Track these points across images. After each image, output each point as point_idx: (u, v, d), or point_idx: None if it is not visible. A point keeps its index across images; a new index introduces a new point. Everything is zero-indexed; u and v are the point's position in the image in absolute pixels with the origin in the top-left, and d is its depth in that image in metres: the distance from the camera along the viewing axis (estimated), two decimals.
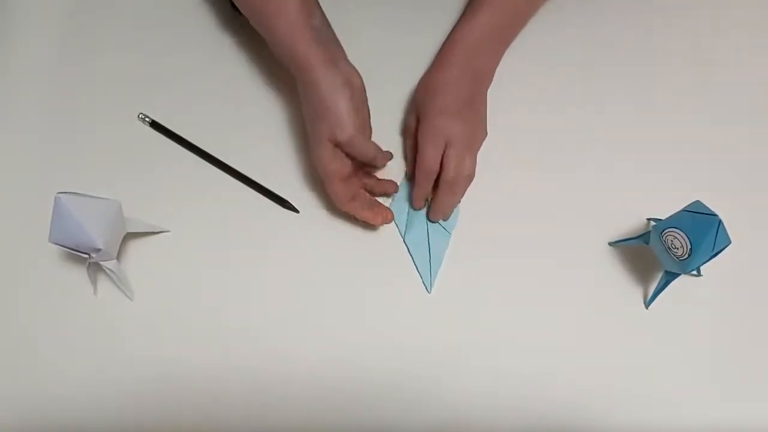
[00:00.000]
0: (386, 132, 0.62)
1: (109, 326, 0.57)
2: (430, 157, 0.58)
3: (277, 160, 0.62)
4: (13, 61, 0.67)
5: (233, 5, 0.61)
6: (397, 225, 0.61)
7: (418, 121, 0.60)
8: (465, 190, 0.61)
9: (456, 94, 0.59)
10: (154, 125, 0.64)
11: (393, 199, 0.62)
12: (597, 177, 0.62)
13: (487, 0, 0.62)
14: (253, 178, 0.61)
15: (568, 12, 0.69)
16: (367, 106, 0.56)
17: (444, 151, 0.58)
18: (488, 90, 0.63)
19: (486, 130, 0.62)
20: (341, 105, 0.54)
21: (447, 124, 0.58)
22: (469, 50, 0.61)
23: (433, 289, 0.59)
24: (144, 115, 0.64)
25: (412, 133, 0.61)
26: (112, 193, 0.54)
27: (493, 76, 0.64)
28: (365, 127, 0.56)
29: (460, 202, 0.61)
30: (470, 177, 0.60)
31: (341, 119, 0.54)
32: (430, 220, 0.61)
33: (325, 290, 0.58)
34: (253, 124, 0.64)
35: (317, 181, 0.62)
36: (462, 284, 0.59)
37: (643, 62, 0.67)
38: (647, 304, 0.58)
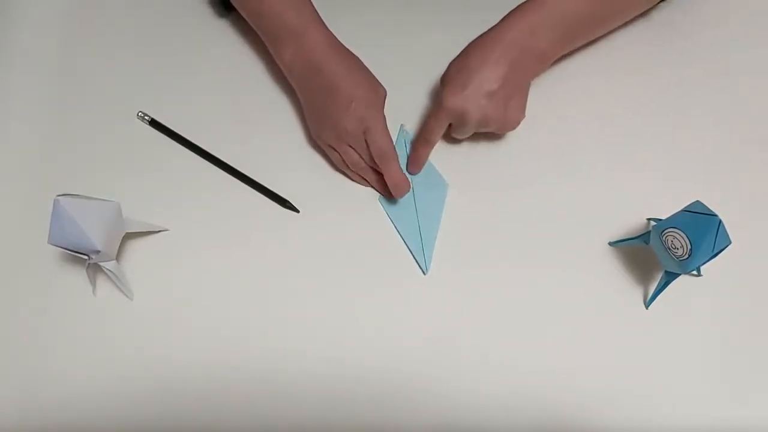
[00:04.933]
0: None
1: (108, 326, 0.57)
2: (428, 130, 0.58)
3: (277, 160, 0.62)
4: (12, 60, 0.67)
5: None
6: (385, 211, 0.61)
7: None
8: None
9: (489, 75, 0.54)
10: (154, 123, 0.64)
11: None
12: (597, 177, 0.62)
13: None
14: (253, 178, 0.61)
15: None
16: None
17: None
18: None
19: (523, 112, 0.57)
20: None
21: (464, 107, 0.54)
22: (526, 29, 0.55)
23: (429, 271, 0.59)
24: (143, 113, 0.64)
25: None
26: (111, 191, 0.54)
27: (547, 65, 0.58)
28: None
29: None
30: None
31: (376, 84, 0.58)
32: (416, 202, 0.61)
33: (325, 290, 0.58)
34: (253, 122, 0.64)
35: (317, 180, 0.62)
36: (462, 286, 0.59)
37: (643, 63, 0.67)
38: (647, 304, 0.58)
